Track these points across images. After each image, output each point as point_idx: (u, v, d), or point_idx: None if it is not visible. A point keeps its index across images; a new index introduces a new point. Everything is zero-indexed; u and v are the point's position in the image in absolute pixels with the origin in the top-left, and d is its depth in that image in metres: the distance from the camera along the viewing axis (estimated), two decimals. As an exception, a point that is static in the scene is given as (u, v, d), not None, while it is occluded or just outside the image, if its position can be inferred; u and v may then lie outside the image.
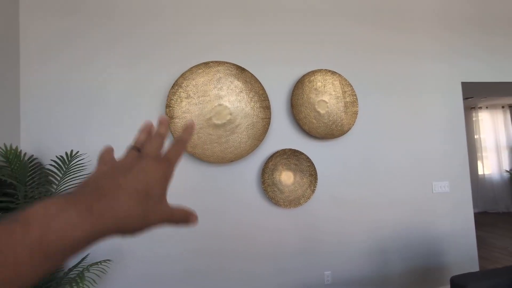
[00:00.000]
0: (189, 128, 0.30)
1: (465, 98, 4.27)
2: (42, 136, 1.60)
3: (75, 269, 1.48)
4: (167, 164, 0.26)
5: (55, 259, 0.18)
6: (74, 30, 1.67)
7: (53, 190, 1.44)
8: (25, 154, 1.53)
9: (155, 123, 0.29)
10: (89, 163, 1.58)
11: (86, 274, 1.53)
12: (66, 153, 1.44)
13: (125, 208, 0.21)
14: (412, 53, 2.13)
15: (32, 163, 1.55)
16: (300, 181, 1.83)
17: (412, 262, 2.01)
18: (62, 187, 1.43)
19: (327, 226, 1.89)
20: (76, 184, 0.22)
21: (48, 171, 1.49)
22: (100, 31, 1.69)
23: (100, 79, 1.67)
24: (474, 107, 5.12)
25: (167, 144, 0.26)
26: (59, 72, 1.64)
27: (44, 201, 0.19)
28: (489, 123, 5.09)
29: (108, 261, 1.57)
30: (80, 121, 1.64)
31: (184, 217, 0.25)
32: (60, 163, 1.42)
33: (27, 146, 1.58)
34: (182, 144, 0.29)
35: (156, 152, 0.26)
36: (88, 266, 1.44)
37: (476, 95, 3.43)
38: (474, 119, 5.12)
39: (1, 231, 0.17)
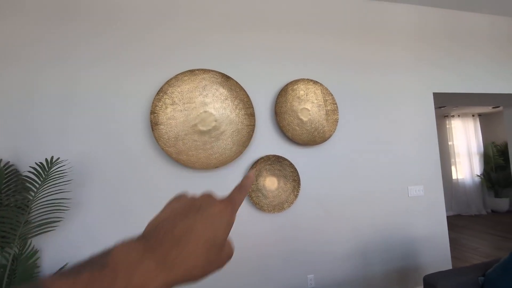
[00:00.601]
0: (250, 178, 0.31)
1: (439, 107, 4.55)
2: (19, 142, 1.55)
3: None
4: (231, 208, 0.26)
5: None
6: (55, 33, 1.65)
7: (31, 198, 1.40)
8: (0, 160, 1.48)
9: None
10: (70, 170, 1.55)
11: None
12: (46, 160, 1.41)
13: (193, 258, 0.21)
14: (388, 65, 2.27)
15: (8, 169, 1.50)
16: (283, 187, 1.88)
17: (390, 263, 2.10)
18: (41, 194, 1.40)
19: (310, 230, 1.94)
20: (148, 224, 0.23)
21: (25, 178, 1.44)
22: (85, 37, 1.69)
23: (82, 84, 1.66)
24: (447, 115, 5.45)
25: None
26: (38, 76, 1.61)
27: (123, 244, 0.20)
28: (461, 131, 5.43)
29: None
30: (60, 127, 1.61)
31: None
32: (39, 169, 1.38)
33: (3, 152, 1.52)
34: (244, 190, 0.29)
35: (225, 197, 0.27)
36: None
37: (448, 104, 3.68)
38: (447, 126, 5.44)
39: (95, 277, 0.18)
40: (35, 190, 1.39)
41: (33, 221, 1.42)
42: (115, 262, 0.19)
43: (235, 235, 1.77)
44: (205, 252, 0.22)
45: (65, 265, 1.52)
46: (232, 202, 0.26)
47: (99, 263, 0.19)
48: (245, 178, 0.31)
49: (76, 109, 1.63)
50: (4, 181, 1.44)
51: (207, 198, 0.25)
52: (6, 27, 1.59)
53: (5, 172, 1.47)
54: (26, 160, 1.54)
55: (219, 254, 0.23)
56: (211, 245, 0.22)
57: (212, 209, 0.24)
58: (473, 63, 2.53)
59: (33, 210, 1.41)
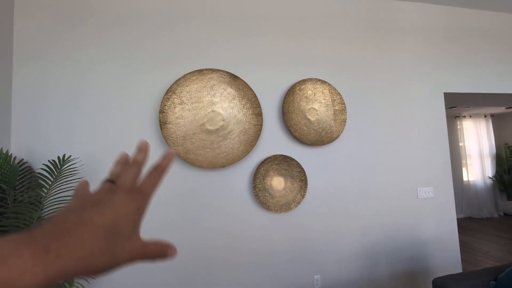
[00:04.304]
0: (169, 156, 0.28)
1: (450, 107, 4.45)
2: (33, 140, 1.59)
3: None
4: (141, 196, 0.24)
5: None
6: (70, 35, 1.69)
7: (44, 194, 1.44)
8: (15, 158, 1.52)
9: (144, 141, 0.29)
10: (81, 167, 1.58)
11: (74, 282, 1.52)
12: (58, 157, 1.45)
13: (87, 245, 0.19)
14: (398, 64, 2.23)
15: (22, 167, 1.54)
16: (290, 186, 1.88)
17: (398, 265, 2.07)
18: (53, 191, 1.43)
19: (317, 230, 1.93)
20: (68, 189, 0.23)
21: (38, 175, 1.48)
22: (96, 37, 1.72)
23: (94, 84, 1.69)
24: (458, 116, 5.33)
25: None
26: (52, 76, 1.65)
27: (1, 239, 0.18)
28: (472, 131, 5.30)
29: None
30: (72, 126, 1.64)
31: (160, 252, 0.24)
32: (52, 167, 1.42)
33: (18, 150, 1.57)
34: (160, 172, 0.27)
35: (131, 184, 0.25)
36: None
37: (460, 104, 3.60)
38: (458, 127, 5.32)
39: None
40: (48, 187, 1.42)
41: (45, 217, 1.46)
42: None
43: (241, 234, 1.78)
44: (103, 240, 0.20)
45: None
46: (140, 191, 0.25)
47: None
48: (163, 157, 0.28)
49: (86, 108, 1.67)
50: (18, 178, 1.49)
51: (109, 192, 0.24)
52: (17, 27, 1.64)
53: (19, 169, 1.51)
54: (39, 158, 1.58)
55: (127, 243, 0.22)
56: (112, 232, 0.21)
57: (114, 199, 0.23)
58: (485, 63, 2.47)
59: (45, 207, 1.45)
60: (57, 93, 1.64)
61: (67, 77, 1.66)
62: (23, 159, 1.55)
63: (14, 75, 1.61)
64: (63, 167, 1.45)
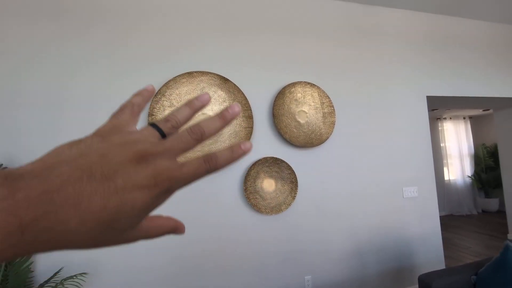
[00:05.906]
0: (241, 149, 0.21)
1: (431, 110, 4.64)
2: (12, 145, 1.52)
3: (47, 285, 1.41)
4: (168, 188, 0.19)
5: None
6: (49, 32, 1.63)
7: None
8: (-6, 163, 1.45)
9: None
10: (66, 172, 1.52)
11: (60, 289, 1.46)
12: (41, 162, 1.39)
13: (71, 234, 0.15)
14: (383, 69, 2.31)
15: (2, 172, 1.47)
16: (281, 188, 1.89)
17: (386, 263, 2.13)
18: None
19: (307, 231, 1.95)
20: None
21: (20, 181, 1.41)
22: (79, 36, 1.67)
23: (78, 85, 1.64)
24: (439, 118, 5.56)
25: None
26: (32, 78, 1.58)
27: None
28: (452, 133, 5.55)
29: (84, 274, 1.51)
30: (56, 129, 1.58)
31: (162, 233, 0.21)
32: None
33: (-3, 154, 1.49)
34: (211, 165, 0.20)
35: (166, 166, 0.19)
36: (62, 280, 1.38)
37: (441, 107, 3.76)
38: (439, 128, 5.55)
39: None
40: (30, 193, 1.36)
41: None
42: None
43: (233, 236, 1.77)
44: (91, 232, 0.16)
45: (60, 269, 1.50)
46: (170, 181, 0.19)
47: None
48: (231, 148, 0.21)
49: (71, 112, 1.61)
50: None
51: (135, 159, 0.18)
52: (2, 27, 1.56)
53: (-1, 175, 1.44)
54: (21, 163, 1.51)
55: (115, 236, 0.18)
56: (104, 229, 0.16)
57: (127, 188, 0.17)
58: (465, 67, 2.60)
59: (27, 214, 1.39)
60: (38, 95, 1.58)
61: (48, 78, 1.60)
62: (2, 164, 1.48)
63: (-8, 76, 1.53)
64: (47, 172, 1.39)
